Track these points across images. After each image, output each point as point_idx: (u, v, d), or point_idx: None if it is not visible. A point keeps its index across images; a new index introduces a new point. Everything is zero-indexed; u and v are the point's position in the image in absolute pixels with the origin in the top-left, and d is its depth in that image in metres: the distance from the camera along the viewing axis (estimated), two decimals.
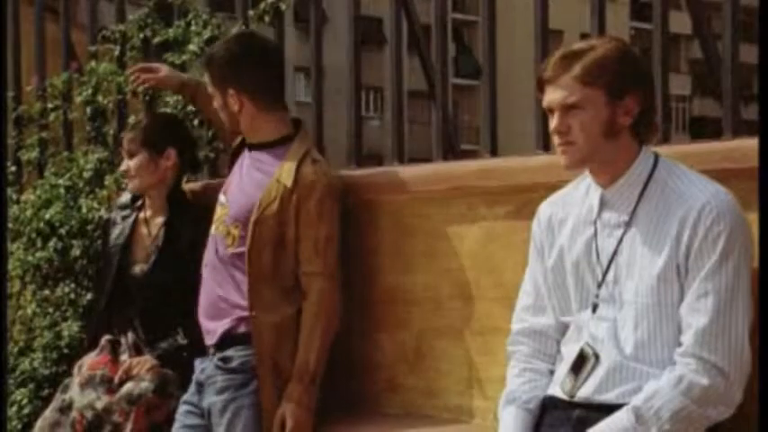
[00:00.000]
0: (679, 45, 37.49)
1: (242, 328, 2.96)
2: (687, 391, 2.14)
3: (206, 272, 3.06)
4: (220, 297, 3.01)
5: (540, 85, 2.30)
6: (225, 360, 2.98)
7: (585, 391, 2.24)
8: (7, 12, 3.83)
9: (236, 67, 2.98)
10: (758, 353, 2.17)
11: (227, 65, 3.00)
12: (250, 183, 3.00)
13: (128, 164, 3.40)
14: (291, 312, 2.93)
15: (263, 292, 2.93)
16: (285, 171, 2.93)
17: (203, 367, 3.03)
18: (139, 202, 3.47)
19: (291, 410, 2.89)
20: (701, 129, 34.87)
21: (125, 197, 3.55)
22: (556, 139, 2.28)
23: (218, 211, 3.06)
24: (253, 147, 3.05)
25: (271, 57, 3.05)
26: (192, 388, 3.06)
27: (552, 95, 2.24)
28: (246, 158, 3.06)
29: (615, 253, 2.25)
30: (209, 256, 3.06)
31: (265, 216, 2.92)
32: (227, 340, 2.98)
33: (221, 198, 3.08)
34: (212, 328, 3.02)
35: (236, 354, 2.96)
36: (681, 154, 2.45)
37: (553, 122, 2.26)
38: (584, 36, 2.74)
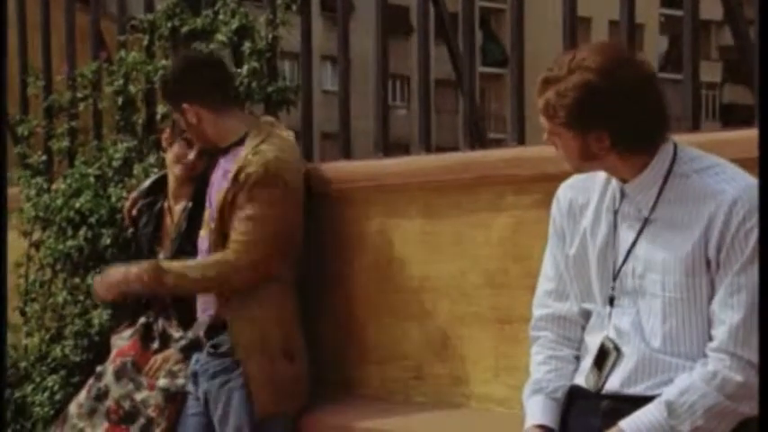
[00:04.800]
0: (710, 32, 37.11)
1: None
2: (721, 387, 2.13)
3: None
4: None
5: None
6: (215, 346, 3.12)
7: (612, 385, 2.23)
8: (7, 9, 3.83)
9: (181, 82, 3.21)
10: (759, 352, 2.14)
11: (173, 83, 3.24)
12: (221, 184, 3.15)
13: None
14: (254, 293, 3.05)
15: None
16: (235, 166, 3.09)
17: (198, 358, 3.16)
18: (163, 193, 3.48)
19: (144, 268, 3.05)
20: (732, 116, 34.54)
21: (144, 184, 3.56)
22: None
23: (205, 215, 3.24)
24: (223, 151, 3.20)
25: (210, 64, 3.29)
26: (190, 380, 3.17)
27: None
28: (220, 162, 3.21)
29: (633, 245, 2.23)
30: (199, 256, 3.20)
31: (220, 209, 3.10)
32: (214, 327, 3.13)
33: (207, 202, 3.24)
34: (202, 321, 3.18)
35: (225, 338, 3.09)
36: (711, 142, 2.43)
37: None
38: (612, 23, 2.72)
